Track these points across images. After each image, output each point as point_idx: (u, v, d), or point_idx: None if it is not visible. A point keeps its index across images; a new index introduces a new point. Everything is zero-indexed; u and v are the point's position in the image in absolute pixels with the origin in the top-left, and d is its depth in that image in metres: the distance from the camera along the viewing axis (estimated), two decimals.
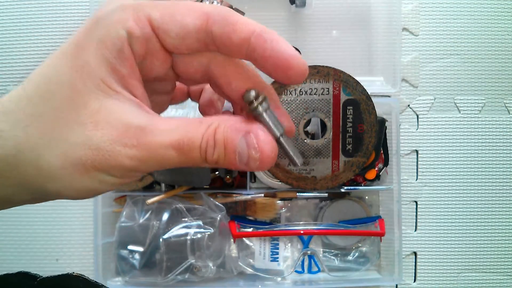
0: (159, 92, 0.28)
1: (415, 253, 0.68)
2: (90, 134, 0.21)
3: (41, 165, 0.21)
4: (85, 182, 0.22)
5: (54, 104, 0.21)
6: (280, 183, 0.60)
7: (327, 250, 0.66)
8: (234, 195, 0.62)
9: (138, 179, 0.25)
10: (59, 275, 0.44)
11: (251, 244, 0.64)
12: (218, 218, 0.60)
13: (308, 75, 0.53)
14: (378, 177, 0.63)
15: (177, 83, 0.29)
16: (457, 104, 0.68)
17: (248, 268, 0.63)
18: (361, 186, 0.63)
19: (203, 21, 0.22)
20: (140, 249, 0.60)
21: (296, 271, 0.64)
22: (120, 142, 0.21)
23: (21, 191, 0.23)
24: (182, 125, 0.22)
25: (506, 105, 0.68)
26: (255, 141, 0.21)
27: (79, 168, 0.21)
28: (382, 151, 0.62)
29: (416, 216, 0.68)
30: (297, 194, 0.63)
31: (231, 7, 0.53)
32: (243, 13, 0.58)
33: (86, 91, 0.21)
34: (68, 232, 0.67)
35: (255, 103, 0.23)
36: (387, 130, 0.62)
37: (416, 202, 0.68)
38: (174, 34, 0.22)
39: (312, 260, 0.65)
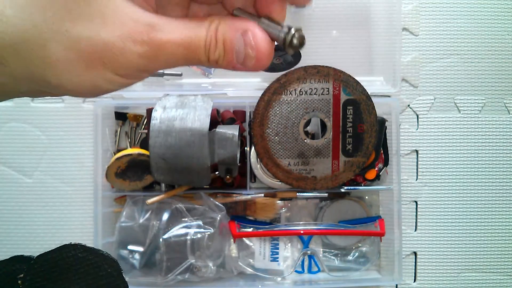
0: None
1: (415, 253, 0.68)
2: (98, 29, 0.21)
3: (47, 55, 0.21)
4: (90, 78, 0.21)
5: None
6: (280, 183, 0.60)
7: (327, 250, 0.66)
8: (234, 195, 0.62)
9: (141, 80, 0.24)
10: (56, 248, 0.45)
11: (251, 244, 0.64)
12: (218, 218, 0.60)
13: (308, 75, 0.53)
14: (378, 177, 0.63)
15: None
16: (457, 104, 0.68)
17: (248, 268, 0.63)
18: (361, 186, 0.63)
19: None
20: (140, 249, 0.60)
21: (296, 271, 0.64)
22: (130, 38, 0.21)
23: (21, 81, 0.22)
24: (187, 23, 0.22)
25: (506, 105, 0.68)
26: (252, 39, 0.22)
27: (85, 63, 0.21)
28: (382, 151, 0.62)
29: (416, 216, 0.68)
30: (297, 194, 0.63)
31: None
32: None
33: None
34: (68, 232, 0.67)
35: (293, 40, 0.22)
36: (387, 130, 0.62)
37: (416, 202, 0.68)
38: None
39: (312, 260, 0.65)
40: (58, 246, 0.46)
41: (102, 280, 0.44)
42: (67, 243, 0.46)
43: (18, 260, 0.47)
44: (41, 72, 0.21)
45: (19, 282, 0.43)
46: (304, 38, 0.23)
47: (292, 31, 0.22)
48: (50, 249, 0.46)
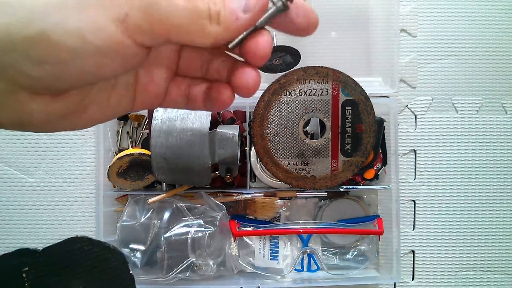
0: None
1: (413, 252, 0.68)
2: None
3: (33, 4, 0.20)
4: (81, 21, 0.20)
5: None
6: (280, 182, 0.60)
7: (326, 248, 0.66)
8: (234, 194, 0.63)
9: (143, 50, 0.23)
10: (62, 241, 0.44)
11: (251, 242, 0.65)
12: (219, 217, 0.61)
13: (307, 75, 0.54)
14: (376, 176, 0.63)
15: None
16: (455, 105, 0.69)
17: (248, 267, 0.64)
18: (360, 185, 0.63)
19: None
20: (142, 247, 0.61)
21: (296, 270, 0.65)
22: None
23: None
24: None
25: (504, 105, 0.69)
26: None
27: (77, 5, 0.20)
28: (380, 151, 0.63)
29: (414, 215, 0.68)
30: (297, 193, 0.63)
31: None
32: None
33: None
34: (70, 231, 0.67)
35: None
36: (385, 130, 0.63)
37: (414, 201, 0.69)
38: None
39: (311, 259, 0.65)
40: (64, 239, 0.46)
41: (108, 273, 0.44)
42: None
43: (23, 253, 0.47)
44: (25, 18, 0.19)
45: (24, 275, 0.43)
46: None
47: None
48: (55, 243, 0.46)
